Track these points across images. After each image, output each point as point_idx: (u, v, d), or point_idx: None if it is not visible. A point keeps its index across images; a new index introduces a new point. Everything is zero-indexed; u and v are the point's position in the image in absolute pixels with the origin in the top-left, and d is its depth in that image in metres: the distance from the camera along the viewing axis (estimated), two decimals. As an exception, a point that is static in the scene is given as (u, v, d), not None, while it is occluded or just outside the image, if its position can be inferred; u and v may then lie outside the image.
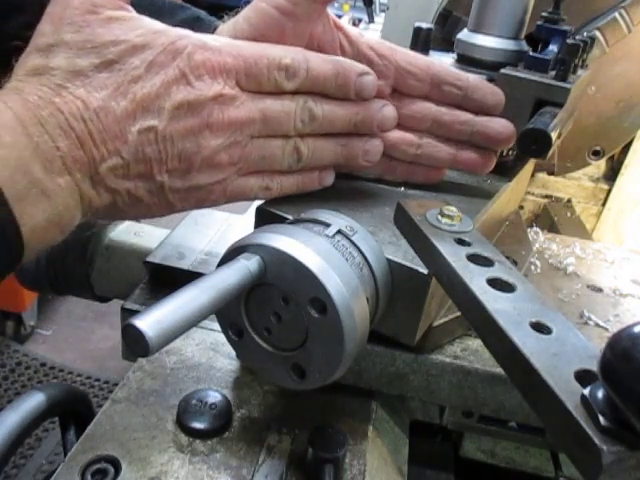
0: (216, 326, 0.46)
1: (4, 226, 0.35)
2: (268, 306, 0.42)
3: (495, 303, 0.33)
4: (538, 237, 0.78)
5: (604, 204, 1.07)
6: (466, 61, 0.64)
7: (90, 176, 0.41)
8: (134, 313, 0.31)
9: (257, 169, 0.47)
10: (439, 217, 0.44)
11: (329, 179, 0.52)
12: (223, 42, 0.44)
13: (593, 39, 0.69)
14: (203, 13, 0.65)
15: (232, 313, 0.44)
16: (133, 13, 0.43)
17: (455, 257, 0.38)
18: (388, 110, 0.51)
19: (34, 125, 0.37)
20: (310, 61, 0.46)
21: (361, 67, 0.49)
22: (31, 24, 0.62)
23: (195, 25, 0.62)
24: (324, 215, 0.46)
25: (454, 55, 0.67)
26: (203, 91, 0.42)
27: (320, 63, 0.47)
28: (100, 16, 0.41)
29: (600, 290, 0.67)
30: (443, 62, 0.62)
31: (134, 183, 0.43)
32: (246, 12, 0.49)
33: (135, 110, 0.41)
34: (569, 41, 0.59)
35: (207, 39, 0.44)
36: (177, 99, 0.42)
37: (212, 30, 0.53)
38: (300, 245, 0.39)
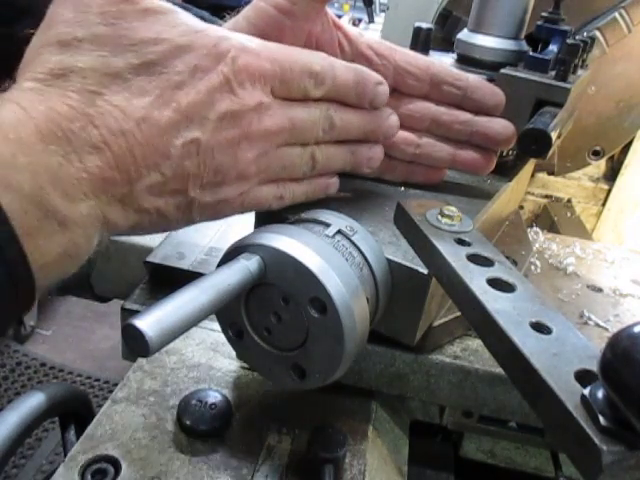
0: (216, 326, 0.46)
1: (15, 270, 0.30)
2: (268, 306, 0.42)
3: (495, 303, 0.33)
4: (538, 237, 0.78)
5: (604, 204, 1.07)
6: (466, 61, 0.64)
7: (120, 198, 0.35)
8: (134, 313, 0.31)
9: (275, 178, 0.45)
10: (439, 217, 0.44)
11: (335, 186, 0.52)
12: (257, 43, 0.41)
13: (593, 39, 0.69)
14: (206, 14, 0.64)
15: (232, 313, 0.44)
16: (170, 5, 0.38)
17: (455, 257, 0.38)
18: (394, 119, 0.51)
19: (58, 142, 0.32)
20: (336, 68, 0.45)
21: (377, 76, 0.48)
22: (38, 27, 0.62)
23: None
24: (324, 215, 0.46)
25: (454, 55, 0.67)
26: (245, 100, 0.39)
27: (344, 71, 0.46)
28: (136, 6, 0.35)
29: (600, 290, 0.67)
30: (443, 62, 0.62)
31: (166, 200, 0.38)
32: (246, 11, 0.49)
33: (179, 120, 0.36)
34: (569, 41, 0.59)
35: (244, 40, 0.41)
36: (222, 108, 0.38)
37: None
38: (300, 245, 0.39)
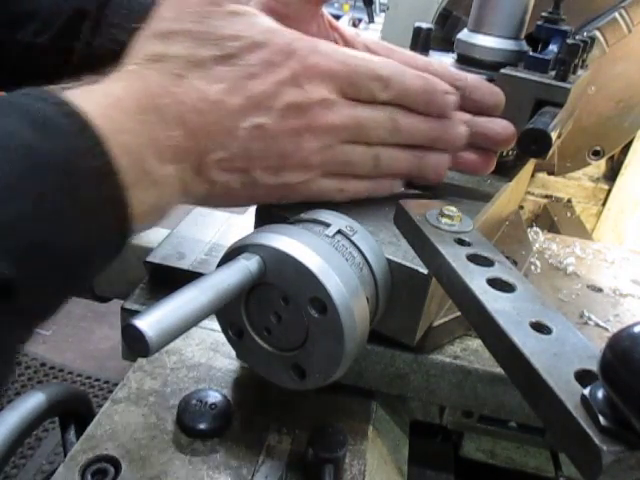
0: (216, 326, 0.46)
1: (121, 211, 0.36)
2: (268, 306, 0.42)
3: (495, 303, 0.33)
4: (538, 237, 0.78)
5: (604, 204, 1.07)
6: (466, 61, 0.64)
7: (195, 167, 0.41)
8: (134, 313, 0.31)
9: (338, 172, 0.48)
10: (439, 217, 0.44)
11: (398, 187, 0.53)
12: (329, 46, 0.45)
13: (593, 39, 0.69)
14: None
15: (232, 313, 0.44)
16: (251, 9, 0.43)
17: (455, 257, 0.38)
18: (462, 129, 0.52)
19: (152, 113, 0.38)
20: (405, 75, 0.48)
21: (447, 86, 0.50)
22: (42, 31, 0.62)
23: None
24: (324, 215, 0.46)
25: (454, 55, 0.67)
26: (311, 94, 0.43)
27: (413, 78, 0.48)
28: (222, 9, 0.41)
29: (600, 290, 0.67)
30: (442, 62, 0.61)
31: (233, 176, 0.43)
32: None
33: (248, 107, 0.41)
34: (569, 41, 0.59)
35: (319, 43, 0.45)
36: (287, 99, 0.42)
37: None
38: (300, 245, 0.39)
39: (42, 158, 0.31)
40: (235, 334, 0.45)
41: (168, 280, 0.65)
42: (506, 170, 0.65)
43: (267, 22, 0.43)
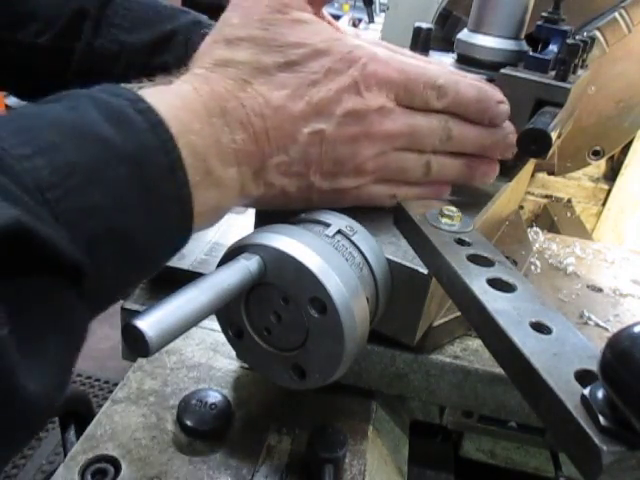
0: (216, 326, 0.46)
1: (185, 209, 0.37)
2: (268, 306, 0.42)
3: (495, 303, 0.33)
4: (538, 237, 0.78)
5: (604, 204, 1.07)
6: (466, 61, 0.64)
7: (255, 170, 0.42)
8: (134, 313, 0.31)
9: (390, 178, 0.49)
10: (439, 217, 0.44)
11: (447, 193, 0.53)
12: (387, 54, 0.46)
13: (593, 39, 0.69)
14: (204, 17, 0.65)
15: (232, 313, 0.44)
16: (315, 17, 0.45)
17: (455, 257, 0.38)
18: (512, 138, 0.52)
19: (218, 116, 0.39)
20: (459, 84, 0.48)
21: (500, 95, 0.51)
22: (43, 31, 0.62)
23: (195, 29, 0.63)
24: (324, 215, 0.46)
25: (454, 55, 0.67)
26: (369, 101, 0.44)
27: (467, 87, 0.49)
28: (287, 16, 0.42)
29: (600, 290, 0.67)
30: (442, 63, 0.61)
31: (290, 180, 0.44)
32: None
33: (309, 113, 0.42)
34: (569, 41, 0.59)
35: (377, 50, 0.45)
36: (347, 106, 0.43)
37: None
38: (300, 245, 0.39)
39: (116, 150, 0.32)
40: (235, 334, 0.45)
41: (168, 280, 0.65)
42: (506, 170, 0.64)
43: (329, 30, 0.44)
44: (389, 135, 0.46)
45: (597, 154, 0.94)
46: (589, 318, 0.60)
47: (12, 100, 2.11)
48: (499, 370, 0.50)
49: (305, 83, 0.42)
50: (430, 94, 0.47)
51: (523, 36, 0.64)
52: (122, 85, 0.37)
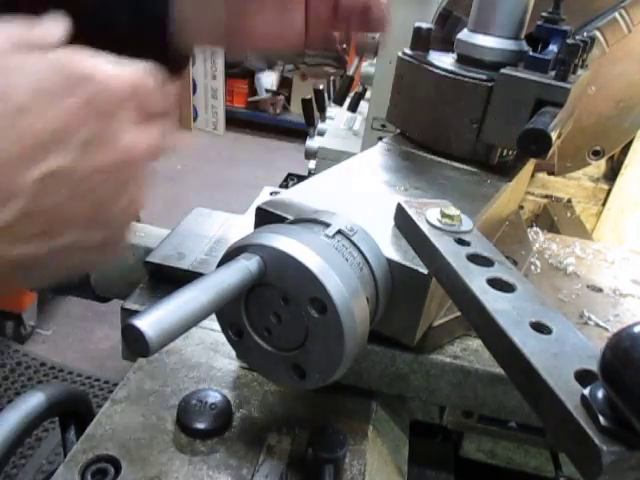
0: (216, 326, 0.46)
1: None
2: (268, 306, 0.42)
3: (495, 303, 0.33)
4: (538, 237, 0.78)
5: (604, 204, 1.07)
6: (466, 61, 0.64)
7: None
8: (134, 313, 0.31)
9: None
10: (439, 217, 0.44)
11: None
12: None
13: (593, 39, 0.69)
14: None
15: (232, 313, 0.44)
16: None
17: (455, 257, 0.38)
18: None
19: None
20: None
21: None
22: None
23: None
24: (324, 215, 0.46)
25: (454, 55, 0.67)
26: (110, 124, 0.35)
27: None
28: None
29: (600, 290, 0.67)
30: None
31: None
32: None
33: (32, 150, 0.31)
34: (569, 41, 0.59)
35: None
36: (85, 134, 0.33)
37: None
38: (300, 245, 0.39)
39: None
40: (235, 334, 0.45)
41: (168, 280, 0.65)
42: (506, 170, 0.65)
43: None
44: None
45: (597, 154, 0.94)
46: (589, 318, 0.60)
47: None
48: (499, 370, 0.50)
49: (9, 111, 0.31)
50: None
51: (523, 36, 0.64)
52: None
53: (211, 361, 0.56)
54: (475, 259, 0.39)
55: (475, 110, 0.61)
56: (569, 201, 1.08)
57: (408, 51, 0.67)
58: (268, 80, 4.55)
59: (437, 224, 0.43)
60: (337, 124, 1.53)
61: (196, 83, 4.31)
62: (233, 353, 0.56)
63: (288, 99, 4.64)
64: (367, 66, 1.31)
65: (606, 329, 0.59)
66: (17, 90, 0.31)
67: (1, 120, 0.30)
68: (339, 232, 0.44)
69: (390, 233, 0.48)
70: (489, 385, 0.52)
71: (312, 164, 1.47)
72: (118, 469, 0.44)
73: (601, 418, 0.25)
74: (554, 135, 0.51)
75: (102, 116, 0.34)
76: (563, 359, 0.29)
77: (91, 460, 0.44)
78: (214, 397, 0.50)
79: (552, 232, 0.83)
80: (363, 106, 1.40)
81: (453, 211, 0.44)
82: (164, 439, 0.47)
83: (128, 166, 0.35)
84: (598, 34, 0.82)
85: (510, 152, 0.64)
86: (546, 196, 1.08)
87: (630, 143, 0.99)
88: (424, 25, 0.66)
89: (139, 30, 0.52)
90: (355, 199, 0.54)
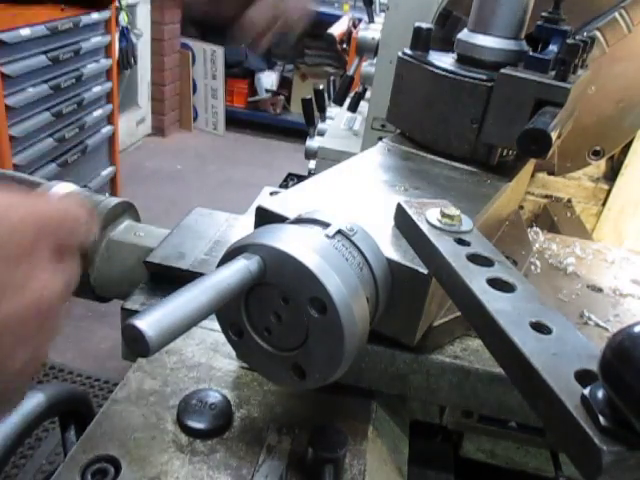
0: (216, 326, 0.46)
1: None
2: (268, 306, 0.42)
3: (495, 303, 0.33)
4: (538, 237, 0.78)
5: (604, 204, 1.07)
6: (466, 61, 0.64)
7: None
8: (134, 313, 0.31)
9: None
10: (439, 217, 0.44)
11: None
12: None
13: (593, 39, 0.69)
14: None
15: (232, 313, 0.44)
16: None
17: (455, 257, 0.38)
18: None
19: None
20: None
21: None
22: None
23: None
24: (324, 215, 0.46)
25: (454, 55, 0.67)
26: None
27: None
28: None
29: (600, 290, 0.67)
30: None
31: None
32: None
33: None
34: (569, 41, 0.59)
35: None
36: None
37: None
38: (300, 245, 0.39)
39: None
40: (235, 334, 0.45)
41: (168, 280, 0.65)
42: (506, 170, 0.65)
43: None
44: None
45: (597, 154, 0.94)
46: (589, 318, 0.60)
47: (11, 100, 2.11)
48: (499, 370, 0.50)
49: None
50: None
51: (523, 36, 0.64)
52: None
53: (211, 361, 0.56)
54: (475, 259, 0.39)
55: (475, 110, 0.61)
56: (569, 201, 1.08)
57: (408, 51, 0.67)
58: (268, 80, 4.55)
59: (437, 224, 0.43)
60: (337, 124, 1.54)
61: (196, 83, 4.32)
62: (233, 353, 0.56)
63: (288, 99, 4.65)
64: (367, 66, 1.31)
65: (606, 329, 0.59)
66: None
67: None
68: (339, 232, 0.44)
69: (390, 233, 0.48)
70: (489, 385, 0.52)
71: (312, 164, 1.47)
72: (118, 469, 0.44)
73: (601, 418, 0.25)
74: (554, 135, 0.51)
75: (12, 260, 0.31)
76: (563, 359, 0.29)
77: (91, 460, 0.44)
78: (214, 397, 0.50)
79: (552, 232, 0.83)
80: (363, 106, 1.40)
81: (453, 211, 0.44)
82: (164, 439, 0.47)
83: (39, 313, 0.32)
84: (598, 34, 0.82)
85: (510, 152, 0.64)
86: (546, 196, 1.08)
87: (630, 143, 0.99)
88: (424, 25, 0.66)
89: None
90: (355, 199, 0.54)
